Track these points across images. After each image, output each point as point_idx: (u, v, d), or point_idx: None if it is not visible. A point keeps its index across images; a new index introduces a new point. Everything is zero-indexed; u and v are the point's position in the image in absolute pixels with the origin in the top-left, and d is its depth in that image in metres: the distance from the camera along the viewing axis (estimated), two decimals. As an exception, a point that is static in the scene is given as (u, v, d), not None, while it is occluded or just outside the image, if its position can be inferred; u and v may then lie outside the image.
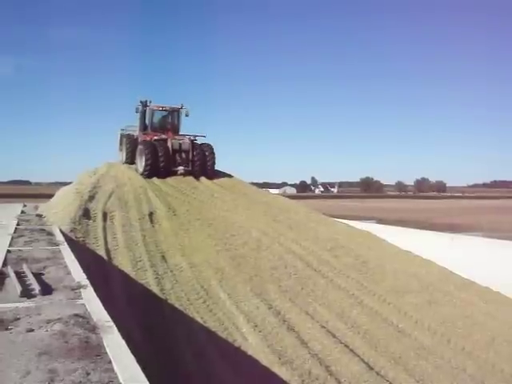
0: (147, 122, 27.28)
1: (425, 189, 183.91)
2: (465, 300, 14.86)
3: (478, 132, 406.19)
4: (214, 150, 26.34)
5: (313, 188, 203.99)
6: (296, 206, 24.27)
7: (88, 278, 7.78)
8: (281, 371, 9.92)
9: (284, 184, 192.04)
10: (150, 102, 27.13)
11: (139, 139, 26.78)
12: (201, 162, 25.60)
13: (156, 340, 10.56)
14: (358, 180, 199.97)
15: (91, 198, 19.72)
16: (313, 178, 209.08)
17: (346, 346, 11.38)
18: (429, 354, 11.59)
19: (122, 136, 29.03)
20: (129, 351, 4.75)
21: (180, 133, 27.66)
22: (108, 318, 5.78)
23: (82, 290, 7.07)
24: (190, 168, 25.28)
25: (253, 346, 11.02)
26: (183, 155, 25.42)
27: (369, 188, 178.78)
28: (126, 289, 13.11)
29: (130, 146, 26.87)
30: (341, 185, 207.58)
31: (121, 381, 4.09)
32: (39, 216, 18.42)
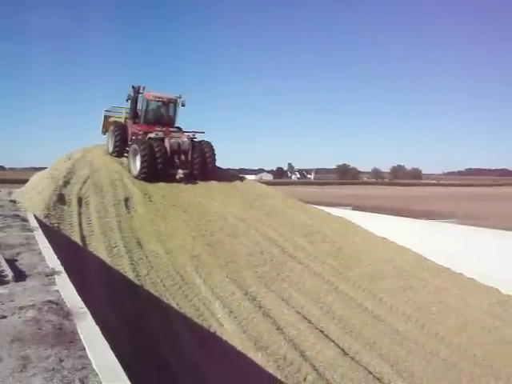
0: (140, 111, 24.54)
1: (401, 176, 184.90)
2: (439, 286, 15.02)
3: (454, 121, 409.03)
4: (214, 148, 23.95)
5: (289, 174, 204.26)
6: (272, 193, 24.27)
7: (62, 264, 7.73)
8: (256, 357, 9.96)
9: (261, 170, 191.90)
10: (144, 88, 24.57)
11: (129, 130, 24.53)
12: (201, 164, 22.97)
13: (131, 326, 10.52)
14: (335, 167, 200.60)
15: (66, 183, 19.58)
16: (289, 165, 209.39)
17: (321, 331, 11.46)
18: (403, 340, 11.72)
19: (106, 118, 27.36)
20: (103, 337, 4.74)
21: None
22: (82, 304, 5.75)
23: (56, 276, 7.02)
24: (188, 171, 22.62)
25: (228, 331, 11.04)
26: (182, 157, 22.67)
27: (345, 175, 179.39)
28: (101, 275, 13.04)
29: (119, 135, 24.48)
30: (317, 171, 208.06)
31: (94, 367, 4.08)
32: (13, 202, 18.22)
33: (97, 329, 4.94)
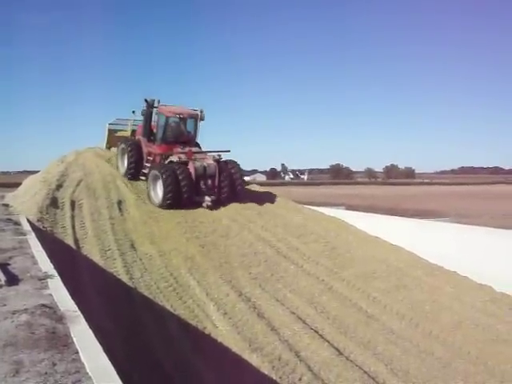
0: (156, 128, 21.89)
1: (394, 175, 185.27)
2: (433, 285, 15.05)
3: (446, 119, 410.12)
4: (241, 168, 21.80)
5: (283, 175, 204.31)
6: (266, 193, 24.26)
7: (55, 267, 7.73)
8: (251, 358, 9.94)
9: (254, 171, 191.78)
10: (159, 101, 21.94)
11: (144, 149, 21.96)
12: (229, 188, 20.52)
13: (125, 329, 10.50)
14: (328, 167, 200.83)
15: (59, 186, 19.57)
16: (283, 165, 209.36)
17: (316, 331, 11.45)
18: (397, 338, 11.73)
19: (110, 132, 25.31)
20: (96, 341, 4.73)
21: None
22: (75, 307, 5.75)
23: (49, 279, 7.01)
24: (216, 197, 20.13)
25: (223, 333, 11.03)
26: (208, 181, 20.11)
27: (338, 175, 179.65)
28: (95, 278, 13.02)
29: (134, 156, 21.82)
30: (311, 172, 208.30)
31: (88, 371, 4.08)
32: (6, 205, 18.24)
33: (90, 332, 4.94)
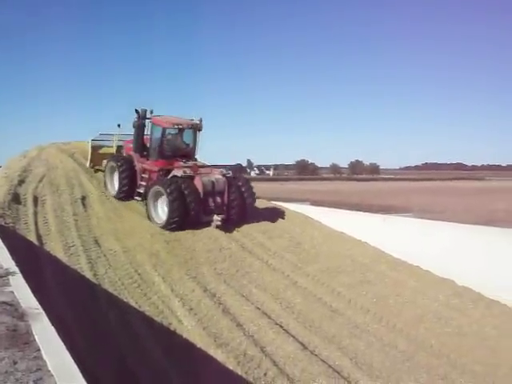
0: (151, 143, 19.44)
1: (359, 171, 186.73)
2: (396, 279, 15.25)
3: (410, 116, 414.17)
4: (251, 184, 19.72)
5: (248, 171, 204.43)
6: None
7: (17, 264, 7.61)
8: (216, 353, 9.96)
9: (220, 167, 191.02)
10: (152, 112, 19.39)
11: (137, 166, 19.62)
12: (239, 206, 18.57)
13: (89, 326, 10.41)
14: (294, 162, 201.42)
15: (21, 182, 19.30)
16: (248, 161, 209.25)
17: (281, 326, 11.51)
18: (361, 333, 11.84)
19: (94, 149, 22.24)
20: (58, 338, 4.67)
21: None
22: (37, 305, 5.67)
23: (10, 277, 6.90)
24: (225, 216, 18.09)
25: (188, 329, 11.02)
26: (217, 199, 18.07)
27: (304, 170, 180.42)
28: (58, 274, 12.89)
29: (126, 174, 19.46)
30: (276, 167, 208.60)
31: (49, 368, 4.02)
32: (-34, 201, 17.85)
33: (52, 329, 4.88)
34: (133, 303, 12.02)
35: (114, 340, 10.26)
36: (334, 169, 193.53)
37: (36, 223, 16.13)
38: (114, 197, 19.76)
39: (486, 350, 11.29)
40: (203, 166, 19.61)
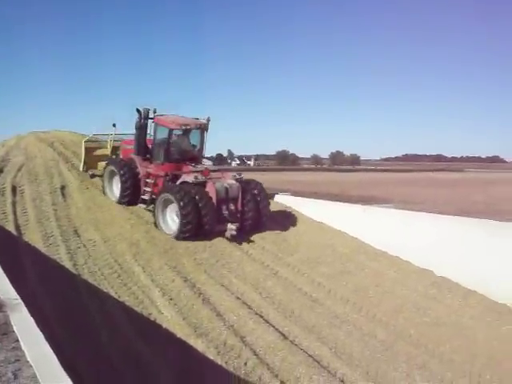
0: (154, 145, 18.26)
1: (339, 162, 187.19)
2: (376, 269, 15.33)
3: (391, 108, 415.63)
4: (264, 188, 18.39)
5: (229, 161, 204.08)
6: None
7: (-5, 254, 7.56)
8: (196, 343, 9.95)
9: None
10: (155, 111, 18.18)
11: (140, 170, 18.37)
12: (254, 214, 17.34)
13: (68, 317, 10.37)
14: (274, 153, 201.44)
15: (-1, 171, 19.11)
16: (229, 151, 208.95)
17: (261, 316, 11.53)
18: (341, 323, 11.89)
19: (88, 151, 20.95)
20: (37, 329, 4.65)
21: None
22: (16, 295, 5.64)
23: (-12, 267, 6.85)
24: (240, 224, 16.67)
25: (168, 318, 11.00)
26: (231, 205, 16.79)
27: (284, 161, 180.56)
28: (37, 265, 12.82)
29: (129, 179, 18.24)
30: (257, 158, 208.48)
31: (28, 359, 4.01)
32: None
33: (31, 320, 4.85)
34: (113, 293, 11.99)
35: (94, 330, 10.22)
36: (315, 159, 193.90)
37: (14, 213, 16.04)
38: (117, 203, 18.46)
39: (464, 339, 11.40)
40: (214, 170, 18.42)
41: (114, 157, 20.47)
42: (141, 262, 13.89)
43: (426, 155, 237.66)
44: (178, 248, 15.18)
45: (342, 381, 9.27)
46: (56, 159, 21.67)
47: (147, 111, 18.13)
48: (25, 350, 4.16)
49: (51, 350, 4.16)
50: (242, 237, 16.42)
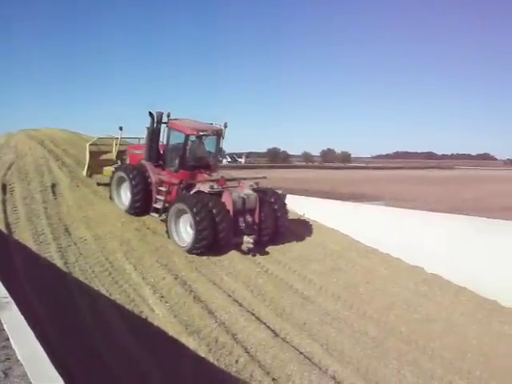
0: (167, 151, 17.33)
1: (330, 159, 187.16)
2: (367, 266, 15.38)
3: (382, 105, 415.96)
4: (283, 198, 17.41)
5: (220, 158, 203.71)
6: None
7: (-15, 253, 7.54)
8: (188, 341, 9.96)
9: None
10: (169, 115, 17.00)
11: (152, 177, 17.21)
12: (272, 226, 16.35)
13: (59, 315, 10.35)
14: (266, 150, 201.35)
15: (-12, 169, 19.03)
16: (220, 149, 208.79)
17: (253, 313, 11.53)
18: (332, 320, 11.92)
19: (92, 155, 19.81)
20: (28, 327, 4.64)
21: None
22: (6, 293, 5.63)
23: (-22, 265, 6.83)
24: (257, 236, 15.68)
25: (160, 316, 10.99)
26: (248, 217, 15.76)
27: (276, 158, 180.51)
28: (28, 263, 12.79)
29: (140, 187, 17.10)
30: (248, 155, 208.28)
31: (19, 358, 4.00)
32: None
33: (21, 318, 4.84)
34: (104, 291, 11.97)
35: (85, 329, 10.20)
36: (306, 157, 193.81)
37: (5, 211, 15.98)
38: (125, 212, 17.41)
39: (454, 336, 11.47)
40: (231, 179, 17.23)
41: (118, 162, 19.57)
42: (132, 259, 13.87)
43: (416, 153, 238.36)
44: (169, 246, 15.16)
45: (334, 377, 9.29)
46: (46, 157, 21.56)
47: (160, 115, 17.11)
48: (15, 349, 4.15)
49: (42, 349, 4.15)
50: (258, 250, 15.61)
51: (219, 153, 17.85)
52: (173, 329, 10.44)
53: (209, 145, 17.47)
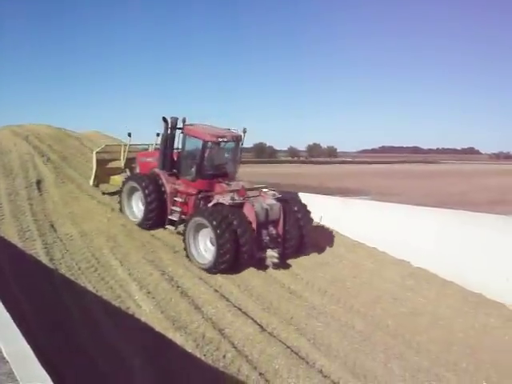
0: (183, 159, 16.07)
1: (316, 154, 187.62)
2: (354, 261, 15.44)
3: (368, 100, 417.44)
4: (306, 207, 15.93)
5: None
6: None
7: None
8: (175, 336, 9.95)
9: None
10: (184, 120, 15.89)
11: (166, 187, 16.13)
12: (296, 238, 15.26)
13: (46, 311, 10.31)
14: (252, 145, 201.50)
15: (-27, 166, 18.91)
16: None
17: (240, 309, 11.54)
18: (319, 314, 11.95)
19: (100, 163, 18.48)
20: (14, 324, 4.62)
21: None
22: (-9, 290, 5.59)
23: (-38, 262, 6.79)
24: (281, 250, 14.55)
25: (146, 312, 10.97)
26: (271, 229, 14.61)
27: (262, 153, 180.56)
28: (13, 260, 12.72)
29: (155, 198, 15.98)
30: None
31: (4, 355, 3.98)
32: None
33: (7, 315, 4.82)
34: (90, 288, 11.93)
35: (72, 325, 10.16)
36: (292, 152, 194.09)
37: (-11, 208, 15.88)
38: (137, 225, 16.32)
39: (441, 329, 11.54)
40: (251, 189, 15.67)
41: (126, 170, 18.62)
42: (118, 255, 13.84)
43: (402, 147, 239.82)
44: (156, 241, 15.15)
45: (321, 371, 9.32)
46: (31, 153, 21.43)
47: (175, 120, 15.90)
48: (1, 346, 4.12)
49: (28, 346, 4.13)
50: (283, 263, 14.58)
51: (239, 160, 16.89)
52: (160, 324, 10.42)
53: (229, 152, 16.62)
